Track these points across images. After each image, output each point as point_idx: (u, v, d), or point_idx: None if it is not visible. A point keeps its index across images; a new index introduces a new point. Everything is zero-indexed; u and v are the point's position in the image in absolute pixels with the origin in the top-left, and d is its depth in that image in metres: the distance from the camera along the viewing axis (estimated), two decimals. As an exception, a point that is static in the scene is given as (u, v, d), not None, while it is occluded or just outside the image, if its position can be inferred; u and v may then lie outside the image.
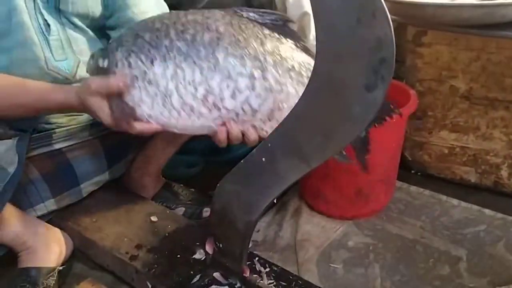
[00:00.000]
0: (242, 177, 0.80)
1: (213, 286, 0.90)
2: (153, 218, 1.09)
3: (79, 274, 1.07)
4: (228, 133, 0.83)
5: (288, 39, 0.86)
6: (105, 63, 0.86)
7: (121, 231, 1.06)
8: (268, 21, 0.86)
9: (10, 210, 0.97)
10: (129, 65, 0.83)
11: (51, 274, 0.97)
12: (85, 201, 1.13)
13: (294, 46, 0.85)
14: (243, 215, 0.82)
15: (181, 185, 1.30)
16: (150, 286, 0.93)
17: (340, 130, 0.65)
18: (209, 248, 0.93)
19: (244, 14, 0.86)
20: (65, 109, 0.96)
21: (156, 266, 0.96)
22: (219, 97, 0.81)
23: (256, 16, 0.86)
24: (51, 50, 1.00)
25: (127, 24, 1.04)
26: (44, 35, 0.99)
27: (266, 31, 0.84)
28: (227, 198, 0.83)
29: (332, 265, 1.09)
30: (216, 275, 0.92)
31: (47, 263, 0.98)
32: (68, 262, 1.07)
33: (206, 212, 1.21)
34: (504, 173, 1.27)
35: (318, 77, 0.64)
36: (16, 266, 1.00)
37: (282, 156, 0.72)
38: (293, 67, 0.83)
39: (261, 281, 0.90)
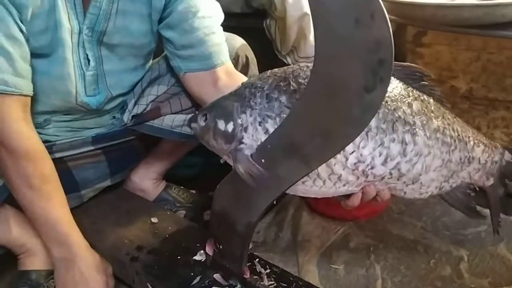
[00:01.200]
0: (241, 179, 0.79)
1: (213, 287, 0.90)
2: (154, 220, 1.09)
3: (80, 276, 1.07)
4: (363, 193, 0.81)
5: (429, 96, 0.82)
6: (229, 127, 0.78)
7: (122, 232, 1.06)
8: (405, 75, 0.81)
9: (8, 212, 0.97)
10: (266, 131, 0.75)
11: (51, 276, 0.97)
12: (85, 203, 1.13)
13: (435, 103, 0.82)
14: (243, 217, 0.82)
15: (182, 187, 1.30)
16: (150, 287, 0.93)
17: (340, 132, 0.65)
18: (209, 250, 0.93)
19: None
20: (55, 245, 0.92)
21: (156, 267, 0.96)
22: (370, 165, 0.77)
23: (396, 70, 0.79)
24: (84, 85, 0.98)
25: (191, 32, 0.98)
26: (82, 69, 0.97)
27: (409, 88, 0.80)
28: (226, 199, 0.83)
29: (333, 266, 1.09)
30: (217, 276, 0.92)
31: (47, 266, 0.98)
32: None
33: (208, 215, 1.21)
34: (505, 173, 1.26)
35: (317, 78, 0.64)
36: (16, 267, 1.00)
37: (281, 157, 0.72)
38: (438, 127, 0.80)
39: (262, 283, 0.90)
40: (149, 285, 0.94)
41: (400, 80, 0.79)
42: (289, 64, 1.34)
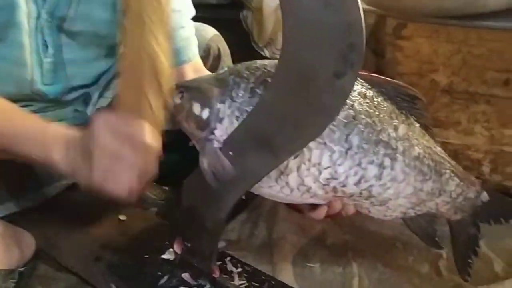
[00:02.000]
0: (209, 173, 0.75)
1: (182, 287, 0.86)
2: (122, 217, 1.04)
3: (42, 275, 1.01)
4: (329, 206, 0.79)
5: (416, 122, 0.80)
6: (204, 114, 0.73)
7: (87, 230, 1.01)
8: (396, 94, 0.78)
9: None
10: None
11: (10, 276, 0.92)
12: (48, 200, 1.08)
13: (420, 129, 0.80)
14: (212, 213, 0.77)
15: (154, 183, 1.25)
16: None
17: (310, 120, 0.61)
18: (177, 248, 0.88)
19: (378, 85, 0.77)
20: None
21: (121, 267, 0.91)
22: (343, 183, 0.74)
23: (390, 89, 0.77)
24: (41, 73, 0.92)
25: None
26: (40, 56, 0.91)
27: (398, 111, 0.77)
28: (194, 194, 0.79)
29: (308, 264, 1.05)
30: (185, 275, 0.87)
31: (5, 265, 0.93)
32: (30, 263, 1.01)
33: (180, 212, 1.16)
34: (485, 168, 1.24)
35: (285, 65, 0.60)
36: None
37: (250, 149, 0.68)
38: (418, 155, 0.77)
39: (232, 282, 0.86)
40: (113, 286, 0.89)
41: (391, 98, 0.76)
42: (266, 57, 1.30)
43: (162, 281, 0.87)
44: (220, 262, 0.90)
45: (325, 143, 0.70)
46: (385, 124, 0.74)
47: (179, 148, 1.40)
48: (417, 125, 0.79)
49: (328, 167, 0.72)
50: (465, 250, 0.93)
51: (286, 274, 1.01)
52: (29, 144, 0.76)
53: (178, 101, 0.77)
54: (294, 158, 0.70)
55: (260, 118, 0.66)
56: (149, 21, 0.76)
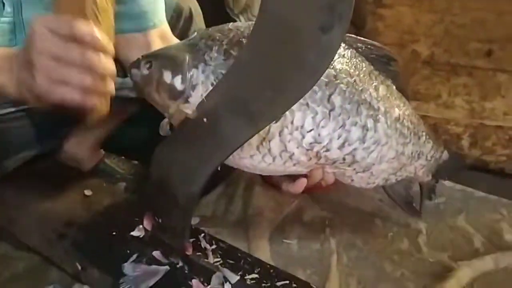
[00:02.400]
0: (181, 142, 0.69)
1: (152, 266, 0.80)
2: (87, 192, 0.97)
3: (3, 254, 0.95)
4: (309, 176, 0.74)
5: (393, 83, 0.77)
6: (176, 81, 0.67)
7: (50, 206, 0.94)
8: (374, 56, 0.74)
9: None
10: None
11: None
12: (8, 173, 1.00)
13: (397, 92, 0.77)
14: (184, 186, 0.72)
15: (122, 157, 1.19)
16: (80, 267, 0.83)
17: (292, 81, 0.56)
18: (147, 224, 0.83)
19: (353, 44, 0.73)
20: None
21: (87, 245, 0.85)
22: (326, 147, 0.69)
23: (365, 49, 0.74)
24: None
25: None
26: None
27: (376, 71, 0.74)
28: (165, 167, 0.73)
29: (285, 240, 1.01)
30: (156, 253, 0.82)
31: None
32: (-12, 242, 0.94)
33: (150, 187, 1.10)
34: (465, 143, 1.22)
35: (264, 19, 0.54)
36: None
37: (226, 115, 0.62)
38: (399, 116, 0.74)
39: (206, 260, 0.81)
40: (78, 265, 0.83)
41: (367, 58, 0.73)
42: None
43: (131, 260, 0.81)
44: (194, 239, 0.85)
45: (307, 104, 0.66)
46: (366, 84, 0.70)
47: (147, 121, 1.34)
48: (394, 86, 0.77)
49: (311, 130, 0.68)
50: (424, 199, 1.01)
51: (262, 251, 0.97)
52: None
53: (146, 72, 0.71)
54: (276, 122, 0.66)
55: (236, 81, 0.60)
56: None
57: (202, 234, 0.88)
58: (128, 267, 0.79)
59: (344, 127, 0.69)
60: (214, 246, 0.85)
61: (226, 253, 0.84)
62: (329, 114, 0.67)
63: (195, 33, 0.71)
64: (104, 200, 0.96)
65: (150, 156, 0.77)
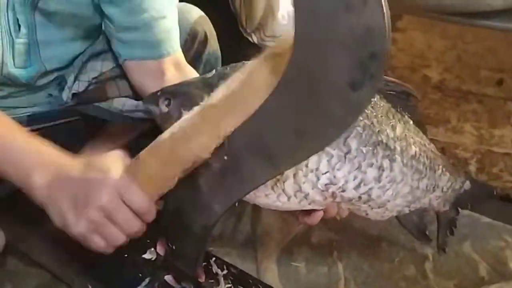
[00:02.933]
0: (199, 176, 0.70)
1: (164, 290, 0.81)
2: (99, 211, 0.98)
3: (13, 270, 0.95)
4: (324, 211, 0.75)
5: (411, 118, 0.77)
6: None
7: (61, 225, 0.94)
8: (393, 93, 0.75)
9: None
10: None
11: None
12: (18, 192, 1.00)
13: (414, 127, 0.77)
14: (200, 219, 0.72)
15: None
16: (91, 289, 0.84)
17: (317, 132, 0.56)
18: (160, 249, 0.83)
19: None
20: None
21: (99, 266, 0.85)
22: (342, 188, 0.69)
23: (384, 86, 0.74)
24: (13, 55, 0.84)
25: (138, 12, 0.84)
26: (11, 36, 0.82)
27: (393, 110, 0.74)
28: (181, 198, 0.74)
29: (293, 263, 1.02)
30: (168, 278, 0.83)
31: None
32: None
33: (160, 205, 1.11)
34: (472, 168, 1.23)
35: (294, 68, 0.54)
36: None
37: (246, 156, 0.63)
38: (415, 153, 0.74)
39: (217, 287, 0.82)
40: (89, 287, 0.84)
41: (384, 95, 0.73)
42: (255, 44, 1.23)
43: (144, 284, 0.82)
44: (205, 263, 0.86)
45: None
46: (383, 124, 0.71)
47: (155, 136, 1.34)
48: (411, 122, 0.77)
49: (327, 172, 0.68)
50: (445, 231, 0.99)
51: (270, 274, 0.98)
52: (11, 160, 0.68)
53: (165, 109, 0.71)
54: None
55: (261, 124, 0.60)
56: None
57: (214, 258, 0.89)
58: (140, 292, 0.80)
59: (360, 169, 0.69)
60: (225, 271, 0.86)
61: (237, 279, 0.85)
62: (345, 157, 0.67)
63: (214, 71, 0.72)
64: (116, 220, 0.96)
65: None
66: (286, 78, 0.55)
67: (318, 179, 0.68)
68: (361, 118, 0.68)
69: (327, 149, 0.67)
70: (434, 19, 1.12)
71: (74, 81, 0.96)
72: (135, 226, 0.66)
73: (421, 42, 1.18)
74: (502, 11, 1.01)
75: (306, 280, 0.98)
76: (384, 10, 0.47)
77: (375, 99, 0.72)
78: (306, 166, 0.68)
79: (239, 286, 0.84)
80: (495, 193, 0.98)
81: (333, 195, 0.71)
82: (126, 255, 0.88)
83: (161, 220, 0.81)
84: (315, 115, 0.55)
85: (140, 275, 0.84)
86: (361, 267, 1.01)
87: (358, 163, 0.69)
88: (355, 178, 0.69)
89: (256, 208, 1.17)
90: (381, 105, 0.72)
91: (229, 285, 0.84)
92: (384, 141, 0.70)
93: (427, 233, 0.97)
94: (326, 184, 0.69)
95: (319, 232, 1.11)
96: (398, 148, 0.72)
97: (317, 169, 0.68)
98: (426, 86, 1.21)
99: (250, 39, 1.27)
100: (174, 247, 0.80)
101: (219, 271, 0.86)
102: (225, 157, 0.65)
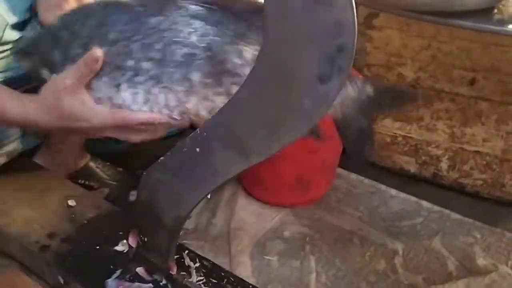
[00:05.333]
0: (172, 168, 0.70)
1: (136, 283, 0.81)
2: (71, 203, 0.96)
3: (-19, 262, 0.94)
4: None
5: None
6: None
7: (32, 215, 0.93)
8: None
9: None
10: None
11: None
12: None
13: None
14: (172, 210, 0.72)
15: (107, 163, 1.18)
16: (62, 281, 0.83)
17: (287, 124, 0.57)
18: (132, 241, 0.83)
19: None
20: (27, 127, 0.82)
21: (70, 258, 0.84)
22: (196, 113, 0.71)
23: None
24: None
25: None
26: None
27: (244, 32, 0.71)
28: (154, 189, 0.74)
29: (266, 257, 1.03)
30: (140, 270, 0.82)
31: None
32: (-33, 249, 0.93)
33: (133, 195, 1.10)
34: (444, 165, 1.25)
35: (264, 62, 0.55)
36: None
37: (219, 148, 0.63)
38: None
39: (189, 280, 0.81)
40: (60, 279, 0.83)
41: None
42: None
43: (115, 276, 0.81)
44: (177, 256, 0.85)
45: (167, 86, 0.69)
46: (226, 52, 0.68)
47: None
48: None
49: (177, 105, 0.70)
50: (357, 139, 0.84)
51: (243, 267, 0.99)
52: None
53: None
54: (144, 104, 0.70)
55: (231, 116, 0.61)
56: None
57: (186, 251, 0.88)
58: (111, 284, 0.80)
59: (208, 99, 0.69)
60: (197, 264, 0.86)
61: (210, 272, 0.85)
62: (190, 91, 0.69)
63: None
64: (88, 212, 0.95)
65: (133, 162, 0.78)
66: (256, 70, 0.56)
67: (171, 111, 0.71)
68: (199, 48, 0.68)
69: (172, 86, 0.69)
70: (410, 18, 1.14)
71: None
72: None
73: (397, 41, 1.19)
74: (476, 11, 1.03)
75: (278, 273, 0.99)
76: (353, 3, 0.48)
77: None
78: (157, 103, 0.70)
79: (211, 279, 0.84)
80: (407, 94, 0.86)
81: (190, 117, 0.72)
82: (97, 247, 0.87)
83: (133, 212, 0.82)
84: (285, 108, 0.55)
85: (111, 267, 0.83)
86: (333, 261, 1.03)
87: (205, 94, 0.69)
88: (205, 107, 0.70)
89: (230, 203, 1.17)
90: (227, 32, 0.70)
91: (201, 278, 0.84)
92: (229, 67, 0.68)
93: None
94: (181, 113, 0.71)
95: (293, 227, 1.12)
96: (244, 72, 0.68)
97: (167, 104, 0.70)
98: (401, 84, 1.22)
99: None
100: (146, 239, 0.80)
101: (191, 263, 0.86)
102: (197, 149, 0.65)
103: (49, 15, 0.87)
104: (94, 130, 0.74)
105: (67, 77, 0.69)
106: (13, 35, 0.93)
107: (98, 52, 0.68)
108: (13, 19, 0.92)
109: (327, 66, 0.50)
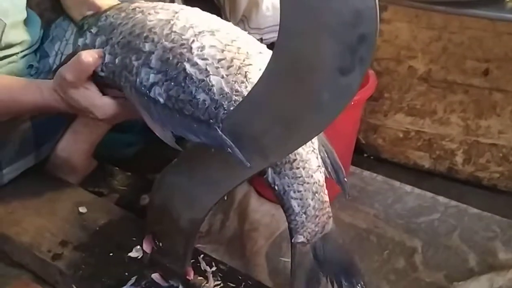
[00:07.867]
0: (187, 169, 0.68)
1: (151, 289, 0.79)
2: (82, 209, 0.95)
3: (-7, 272, 0.92)
4: None
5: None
6: None
7: (43, 224, 0.92)
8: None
9: None
10: None
11: None
12: (0, 189, 0.97)
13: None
14: (188, 212, 0.70)
15: (116, 168, 1.17)
16: (76, 290, 0.81)
17: (306, 120, 0.55)
18: (147, 247, 0.81)
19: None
20: (44, 111, 0.84)
21: (83, 266, 0.83)
22: None
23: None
24: None
25: None
26: None
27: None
28: (168, 192, 0.72)
29: (282, 258, 1.00)
30: (155, 276, 0.81)
31: None
32: (-21, 259, 0.92)
33: (144, 199, 1.08)
34: (459, 159, 1.23)
35: (280, 56, 0.53)
36: None
37: (236, 148, 0.61)
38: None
39: (206, 284, 0.80)
40: (74, 287, 0.81)
41: None
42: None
43: (130, 283, 0.80)
44: (193, 260, 0.84)
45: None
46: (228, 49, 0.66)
47: (143, 130, 1.32)
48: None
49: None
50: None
51: (260, 269, 0.96)
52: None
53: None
54: None
55: (248, 114, 0.58)
56: None
57: (202, 255, 0.87)
58: (127, 292, 0.78)
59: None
60: (214, 268, 0.84)
61: (227, 276, 0.83)
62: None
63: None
64: (99, 218, 0.94)
65: (143, 166, 0.77)
66: (272, 65, 0.54)
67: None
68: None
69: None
70: (420, 9, 1.12)
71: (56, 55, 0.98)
72: None
73: (406, 33, 1.16)
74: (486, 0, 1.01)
75: (296, 275, 0.97)
76: (374, -9, 0.46)
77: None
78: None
79: (228, 283, 0.82)
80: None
81: None
82: (111, 254, 0.85)
83: (148, 217, 0.80)
84: (303, 103, 0.53)
85: (126, 274, 0.82)
86: (351, 260, 1.00)
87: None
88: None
89: (244, 204, 1.15)
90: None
91: (219, 282, 0.82)
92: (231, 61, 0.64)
93: None
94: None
95: (308, 227, 1.10)
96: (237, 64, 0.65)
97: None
98: (412, 77, 1.20)
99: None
100: (161, 244, 0.78)
101: (207, 268, 0.84)
102: (212, 149, 0.63)
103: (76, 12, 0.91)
104: (105, 120, 0.77)
105: (67, 71, 0.72)
106: (13, 35, 0.92)
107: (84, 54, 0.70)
108: (12, 18, 0.90)
109: (347, 57, 0.48)
